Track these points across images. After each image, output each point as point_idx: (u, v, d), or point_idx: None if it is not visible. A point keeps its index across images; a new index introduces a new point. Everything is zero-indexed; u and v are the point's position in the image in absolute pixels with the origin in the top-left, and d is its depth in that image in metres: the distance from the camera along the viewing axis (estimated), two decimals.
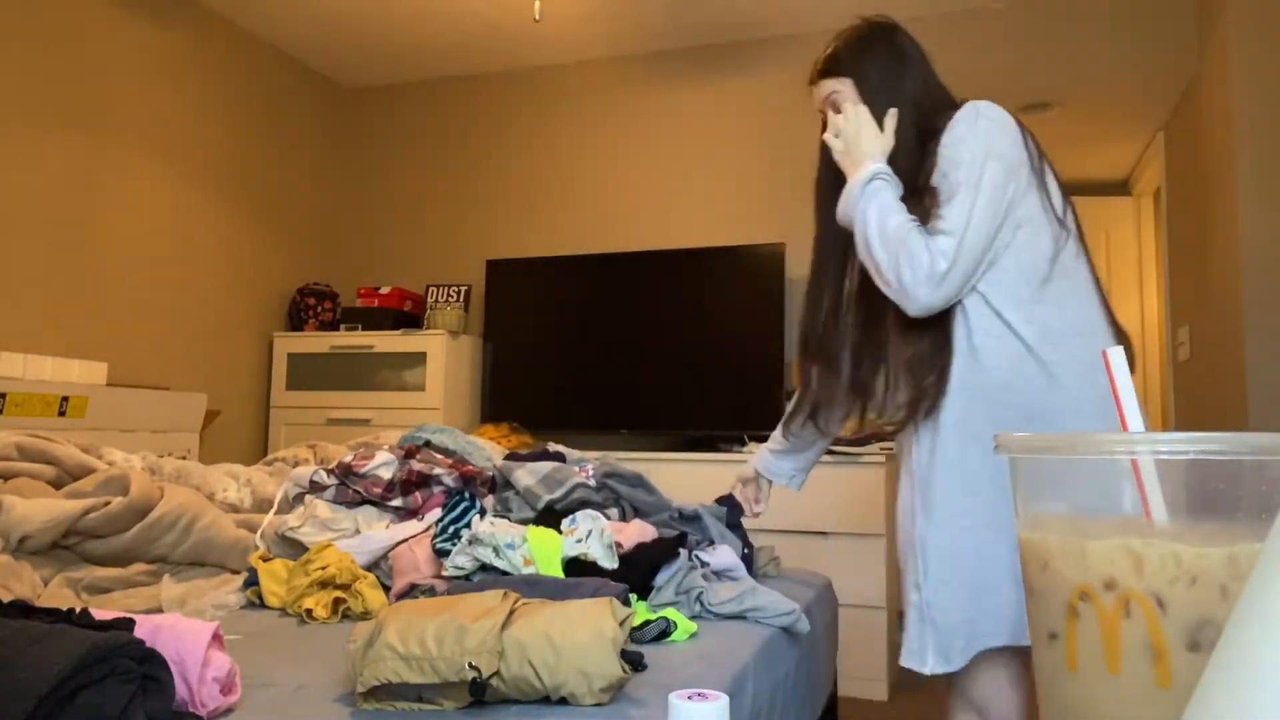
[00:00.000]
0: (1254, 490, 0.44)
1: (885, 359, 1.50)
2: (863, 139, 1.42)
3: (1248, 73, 2.89)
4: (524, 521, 1.72)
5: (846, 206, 1.42)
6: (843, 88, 1.48)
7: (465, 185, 4.38)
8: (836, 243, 1.56)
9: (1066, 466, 0.52)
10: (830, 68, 1.50)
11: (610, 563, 1.46)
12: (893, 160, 1.43)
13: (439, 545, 1.55)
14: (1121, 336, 1.39)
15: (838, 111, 1.48)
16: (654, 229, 4.02)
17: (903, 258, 1.33)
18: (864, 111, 1.43)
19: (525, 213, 4.27)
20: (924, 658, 1.34)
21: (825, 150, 1.55)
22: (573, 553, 1.46)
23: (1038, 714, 1.33)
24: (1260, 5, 2.89)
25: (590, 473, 1.87)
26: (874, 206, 1.37)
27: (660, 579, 1.51)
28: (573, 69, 4.25)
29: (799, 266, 3.78)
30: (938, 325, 1.38)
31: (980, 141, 1.34)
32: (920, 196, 1.38)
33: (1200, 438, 0.43)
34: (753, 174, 3.90)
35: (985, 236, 1.32)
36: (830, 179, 1.54)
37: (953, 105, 1.44)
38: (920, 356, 1.39)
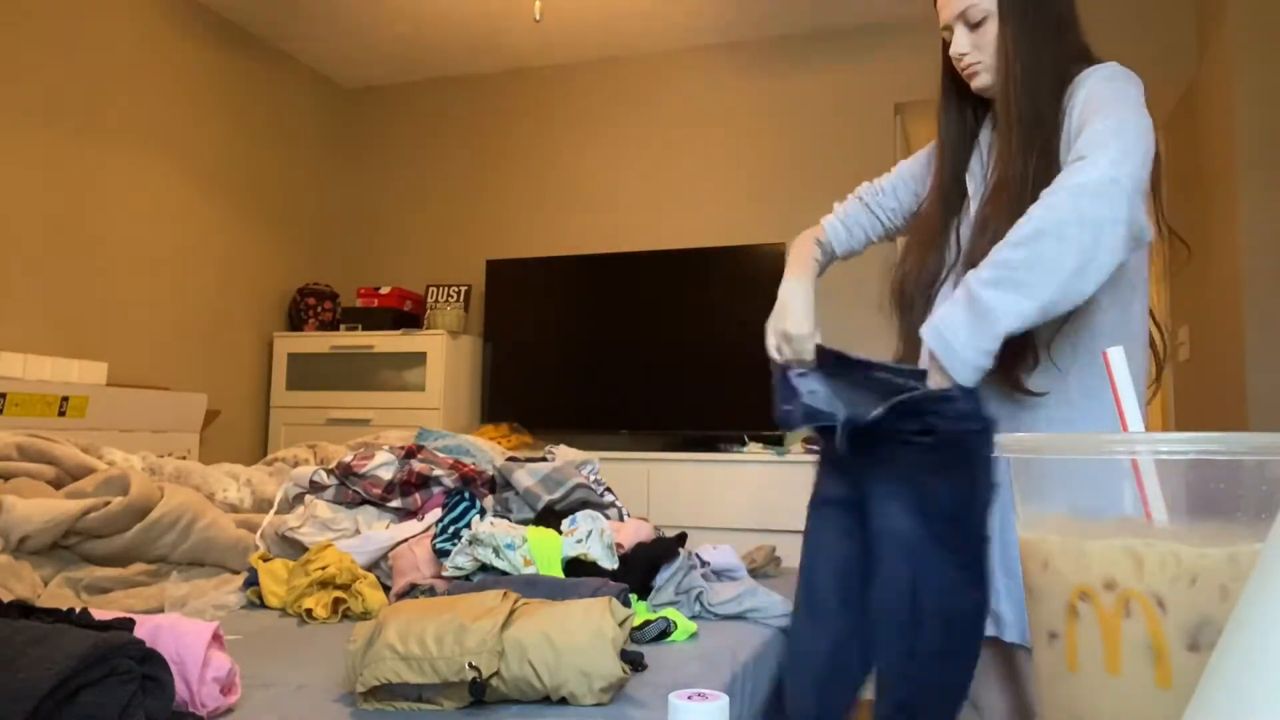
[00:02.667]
0: (1254, 490, 0.44)
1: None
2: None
3: (1248, 73, 2.89)
4: (524, 522, 1.73)
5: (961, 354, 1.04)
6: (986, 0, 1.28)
7: (465, 185, 4.38)
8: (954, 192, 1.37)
9: (1066, 466, 0.52)
10: None
11: (610, 563, 1.47)
12: (1029, 103, 1.24)
13: (439, 545, 1.55)
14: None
15: (972, 27, 1.30)
16: (654, 229, 4.02)
17: (1065, 219, 1.04)
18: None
19: (525, 213, 4.27)
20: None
21: (947, 65, 1.40)
22: (573, 553, 1.46)
23: (1026, 713, 1.34)
24: (1260, 6, 2.89)
25: (593, 476, 1.87)
26: (960, 293, 1.07)
27: (660, 579, 1.51)
28: (573, 69, 4.25)
29: None
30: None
31: (1137, 95, 1.18)
32: (1051, 151, 1.21)
33: (1200, 438, 0.43)
34: (753, 174, 3.90)
35: (1143, 171, 1.09)
36: (954, 94, 1.40)
37: (1087, 56, 1.29)
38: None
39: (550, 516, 1.67)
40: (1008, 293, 1.04)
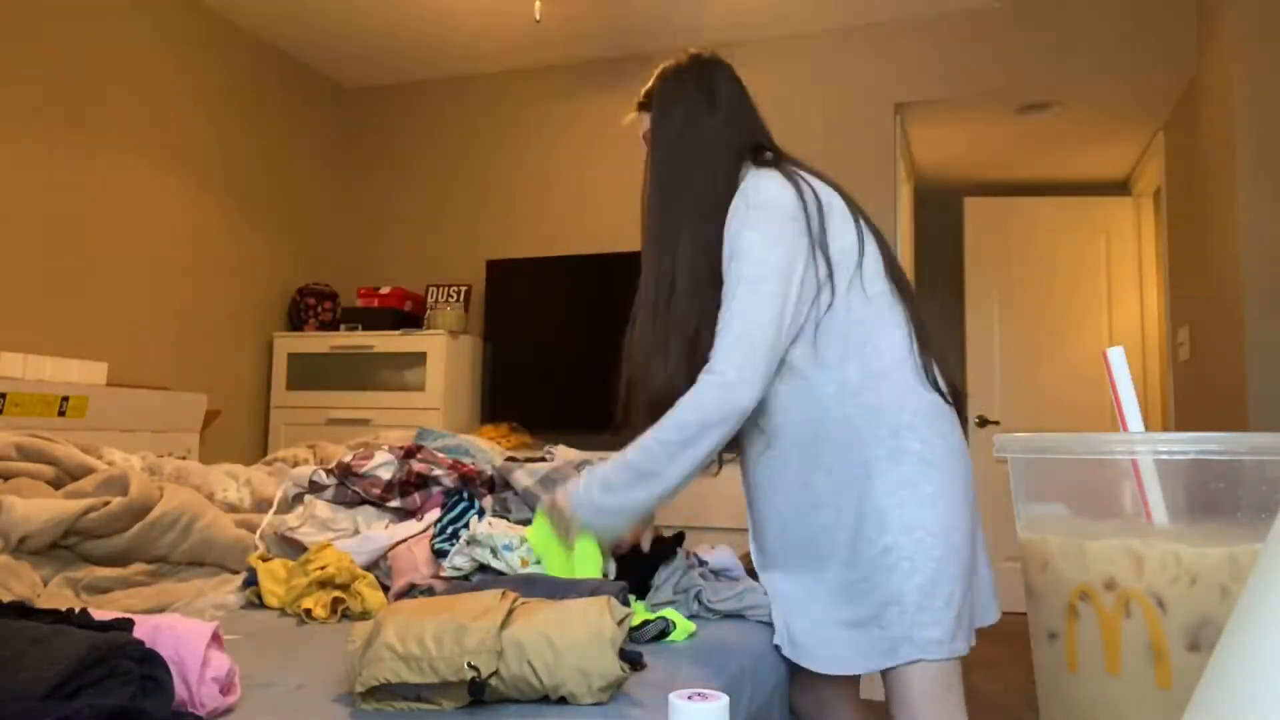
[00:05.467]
0: (1254, 490, 0.44)
1: None
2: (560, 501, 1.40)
3: (1248, 73, 2.89)
4: (523, 522, 1.72)
5: (602, 515, 1.36)
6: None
7: (465, 185, 4.38)
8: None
9: (1066, 467, 0.52)
10: (644, 102, 1.48)
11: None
12: (699, 226, 1.37)
13: (438, 545, 1.55)
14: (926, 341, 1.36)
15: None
16: None
17: (684, 421, 1.28)
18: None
19: (525, 213, 4.27)
20: None
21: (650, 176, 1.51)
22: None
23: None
24: (1260, 6, 2.89)
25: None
26: (604, 481, 1.38)
27: (658, 578, 1.51)
28: (573, 69, 4.25)
29: None
30: None
31: (758, 233, 1.29)
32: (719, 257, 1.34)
33: (1200, 438, 0.43)
34: None
35: (772, 329, 1.26)
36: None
37: (763, 157, 1.41)
38: None
39: None
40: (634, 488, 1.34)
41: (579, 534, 1.38)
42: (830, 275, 1.31)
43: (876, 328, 1.31)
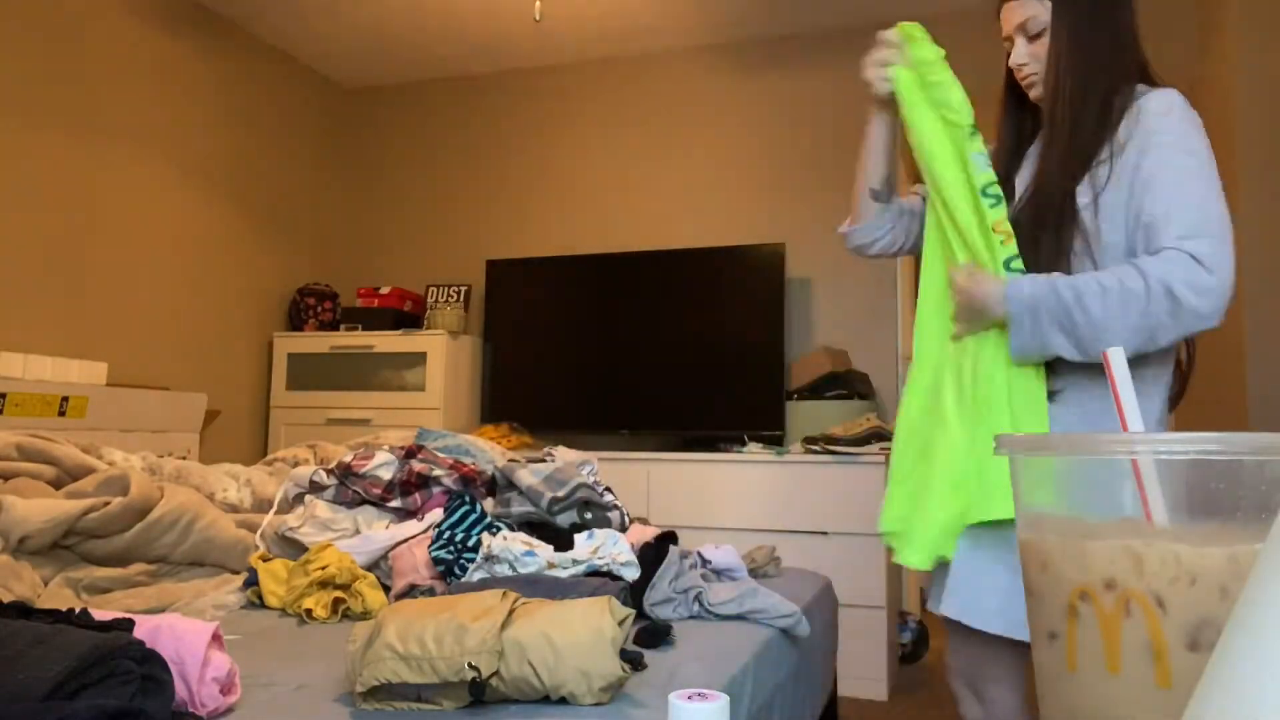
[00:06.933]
0: (1254, 490, 0.44)
1: None
2: (983, 285, 1.27)
3: (1248, 73, 2.89)
4: (524, 519, 1.73)
5: (1021, 341, 1.25)
6: (1044, 13, 1.34)
7: (465, 185, 4.38)
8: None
9: (1066, 466, 0.52)
10: None
11: (633, 573, 1.48)
12: (1072, 119, 1.29)
13: (435, 554, 1.53)
14: None
15: (1030, 38, 1.36)
16: (654, 229, 4.02)
17: (1151, 303, 1.17)
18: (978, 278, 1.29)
19: (525, 213, 4.27)
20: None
21: (1009, 73, 1.45)
22: (598, 564, 1.47)
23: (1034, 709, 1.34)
24: (1260, 5, 2.89)
25: (592, 476, 1.87)
26: (1052, 298, 1.22)
27: (655, 577, 1.51)
28: (573, 69, 4.25)
29: (799, 266, 3.79)
30: None
31: (1202, 139, 1.26)
32: (1090, 167, 1.27)
33: (1200, 438, 0.43)
34: (753, 174, 3.90)
35: (1227, 222, 1.20)
36: (1013, 103, 1.46)
37: (1146, 77, 1.35)
38: None
39: (557, 534, 1.66)
40: (1067, 336, 1.22)
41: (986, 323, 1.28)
42: None
43: None
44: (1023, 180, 1.42)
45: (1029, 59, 1.37)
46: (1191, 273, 1.17)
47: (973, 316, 1.31)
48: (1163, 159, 1.24)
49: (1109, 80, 1.31)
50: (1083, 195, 1.29)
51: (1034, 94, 1.40)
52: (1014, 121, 1.47)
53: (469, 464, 1.95)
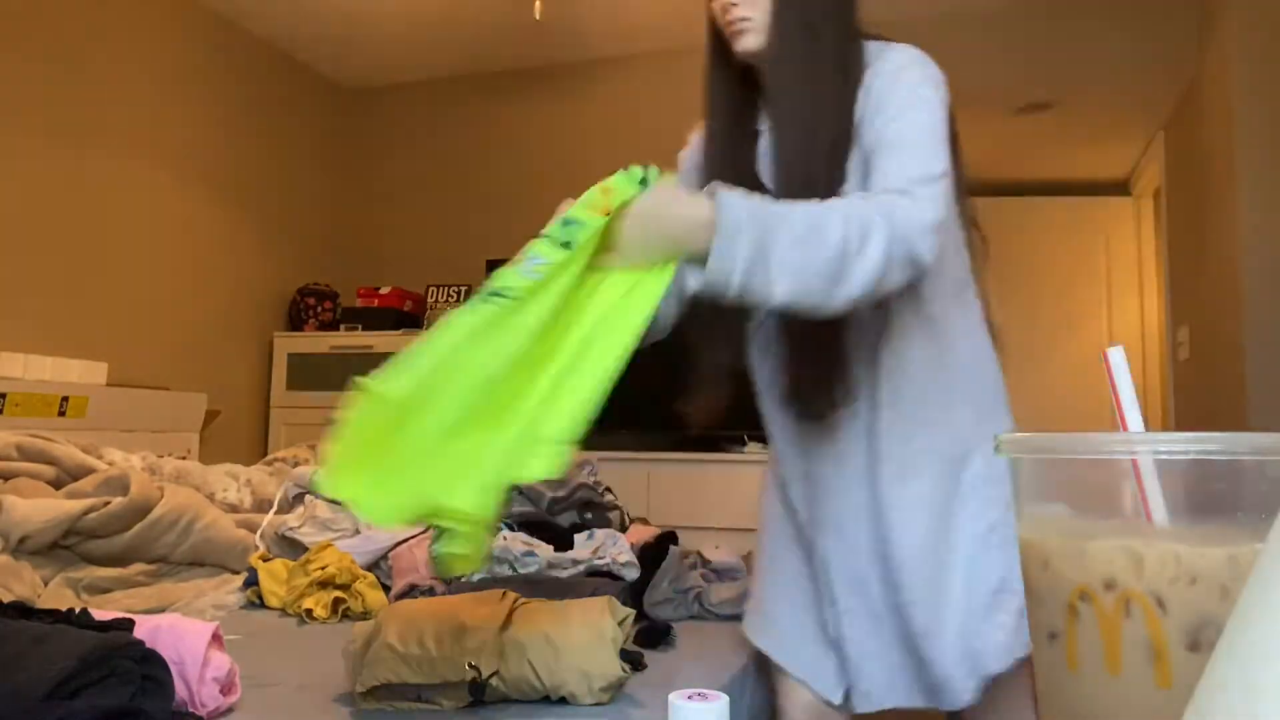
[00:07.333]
0: (1254, 490, 0.44)
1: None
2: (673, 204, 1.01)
3: (1248, 73, 2.89)
4: (524, 519, 1.73)
5: (719, 259, 0.96)
6: None
7: (465, 185, 4.38)
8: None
9: (1066, 466, 0.52)
10: None
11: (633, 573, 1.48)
12: (814, 96, 1.06)
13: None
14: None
15: None
16: None
17: (871, 225, 0.94)
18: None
19: (525, 213, 4.26)
20: None
21: (712, 20, 1.18)
22: (598, 564, 1.47)
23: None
24: (1260, 5, 2.89)
25: (592, 476, 1.87)
26: (759, 214, 0.96)
27: (655, 577, 1.52)
28: (573, 69, 4.25)
29: None
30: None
31: (939, 96, 1.05)
32: (844, 141, 1.06)
33: (1200, 438, 0.43)
34: None
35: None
36: (721, 59, 1.18)
37: (867, 34, 1.12)
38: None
39: (557, 534, 1.66)
40: (782, 275, 0.96)
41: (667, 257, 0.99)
42: None
43: None
44: (765, 174, 1.20)
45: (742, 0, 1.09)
46: (901, 210, 0.97)
47: (649, 244, 1.02)
48: (897, 112, 1.03)
49: (841, 27, 1.09)
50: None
51: (742, 44, 1.12)
52: (724, 89, 1.22)
53: None
